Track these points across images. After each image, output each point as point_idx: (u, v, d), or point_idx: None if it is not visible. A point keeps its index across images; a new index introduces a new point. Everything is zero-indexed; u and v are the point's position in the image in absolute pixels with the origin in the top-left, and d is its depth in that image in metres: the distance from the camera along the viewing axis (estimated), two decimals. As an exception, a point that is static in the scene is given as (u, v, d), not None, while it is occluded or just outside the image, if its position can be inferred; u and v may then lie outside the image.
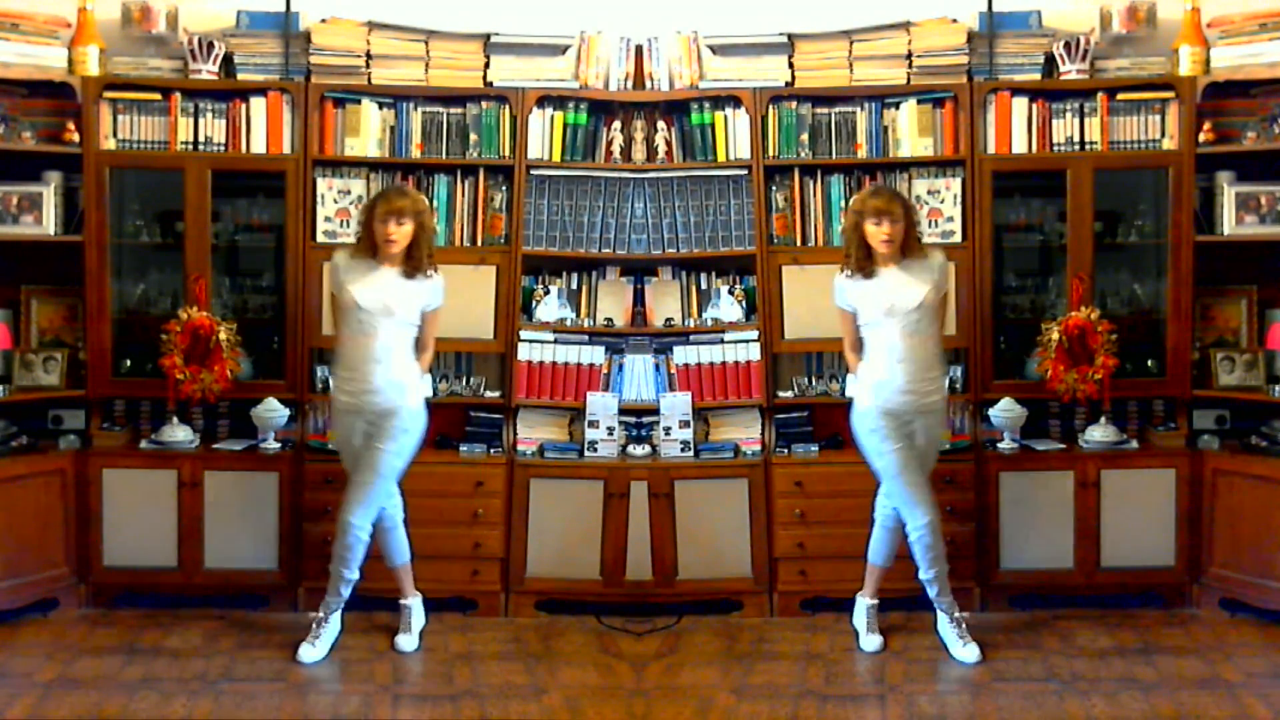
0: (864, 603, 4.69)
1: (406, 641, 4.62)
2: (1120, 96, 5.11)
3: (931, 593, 4.54)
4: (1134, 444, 5.11)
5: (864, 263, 4.45)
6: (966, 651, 4.46)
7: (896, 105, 5.20)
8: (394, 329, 4.43)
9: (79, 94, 5.10)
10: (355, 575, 4.52)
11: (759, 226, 5.19)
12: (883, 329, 4.43)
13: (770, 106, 5.19)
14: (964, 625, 4.53)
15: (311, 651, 4.47)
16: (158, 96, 5.12)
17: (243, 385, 5.07)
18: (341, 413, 4.52)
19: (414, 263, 4.45)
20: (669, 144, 5.27)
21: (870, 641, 4.62)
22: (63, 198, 5.12)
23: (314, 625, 4.53)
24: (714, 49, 5.24)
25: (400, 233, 4.40)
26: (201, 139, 5.14)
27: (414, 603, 4.71)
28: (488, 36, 5.23)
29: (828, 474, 5.04)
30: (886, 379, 4.43)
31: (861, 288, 4.47)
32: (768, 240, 5.20)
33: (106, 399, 5.18)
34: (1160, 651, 4.53)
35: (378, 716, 4.03)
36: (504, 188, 5.22)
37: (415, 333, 4.52)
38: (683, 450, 5.12)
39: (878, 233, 4.41)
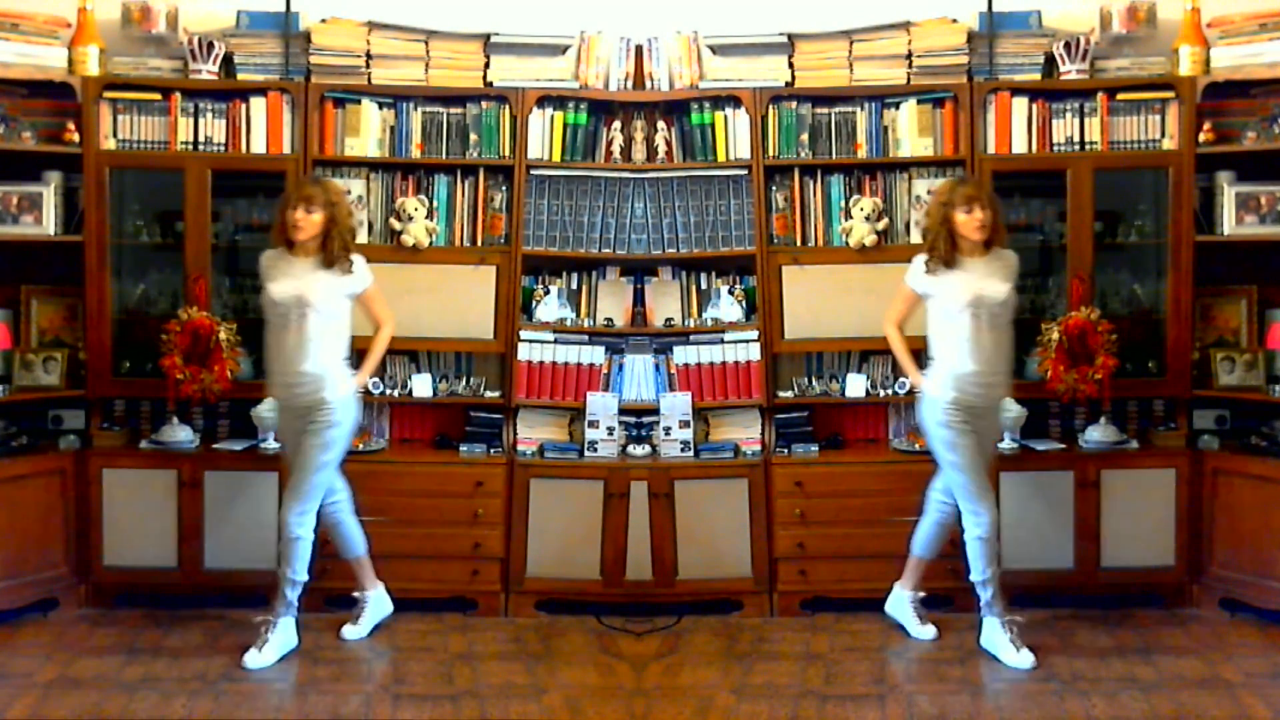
0: (905, 594, 4.72)
1: (351, 631, 4.66)
2: (1120, 96, 5.11)
3: (985, 595, 4.47)
4: (1134, 444, 5.11)
5: (950, 254, 4.45)
6: (1020, 658, 4.38)
7: (896, 105, 5.20)
8: (312, 321, 4.45)
9: (79, 94, 5.10)
10: (302, 577, 4.47)
11: (759, 226, 5.19)
12: (963, 320, 4.44)
13: (770, 106, 5.19)
14: (1016, 630, 4.44)
15: (258, 658, 4.39)
16: (158, 96, 5.12)
17: (243, 385, 5.07)
18: (279, 408, 4.59)
19: (328, 254, 4.47)
20: (669, 144, 5.27)
21: (924, 631, 4.64)
22: (63, 198, 5.12)
23: (261, 629, 4.46)
24: (714, 49, 5.25)
25: (309, 221, 4.43)
26: (201, 139, 5.14)
27: (373, 595, 4.73)
28: (488, 36, 5.23)
29: (828, 474, 5.04)
30: (966, 370, 4.44)
31: (943, 277, 4.47)
32: (768, 240, 5.20)
33: (106, 399, 5.18)
34: (1160, 651, 4.52)
35: (378, 716, 4.03)
36: (504, 188, 5.22)
37: (340, 323, 4.54)
38: (683, 450, 5.11)
39: (969, 220, 4.41)
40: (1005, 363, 4.53)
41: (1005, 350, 4.51)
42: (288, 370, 4.47)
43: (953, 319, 4.45)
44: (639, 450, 5.14)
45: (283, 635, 4.47)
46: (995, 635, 4.46)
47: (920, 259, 4.54)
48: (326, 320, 4.47)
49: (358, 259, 4.56)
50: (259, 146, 5.14)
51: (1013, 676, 4.33)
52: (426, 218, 5.16)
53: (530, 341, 5.19)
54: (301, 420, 4.47)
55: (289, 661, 4.46)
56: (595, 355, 5.22)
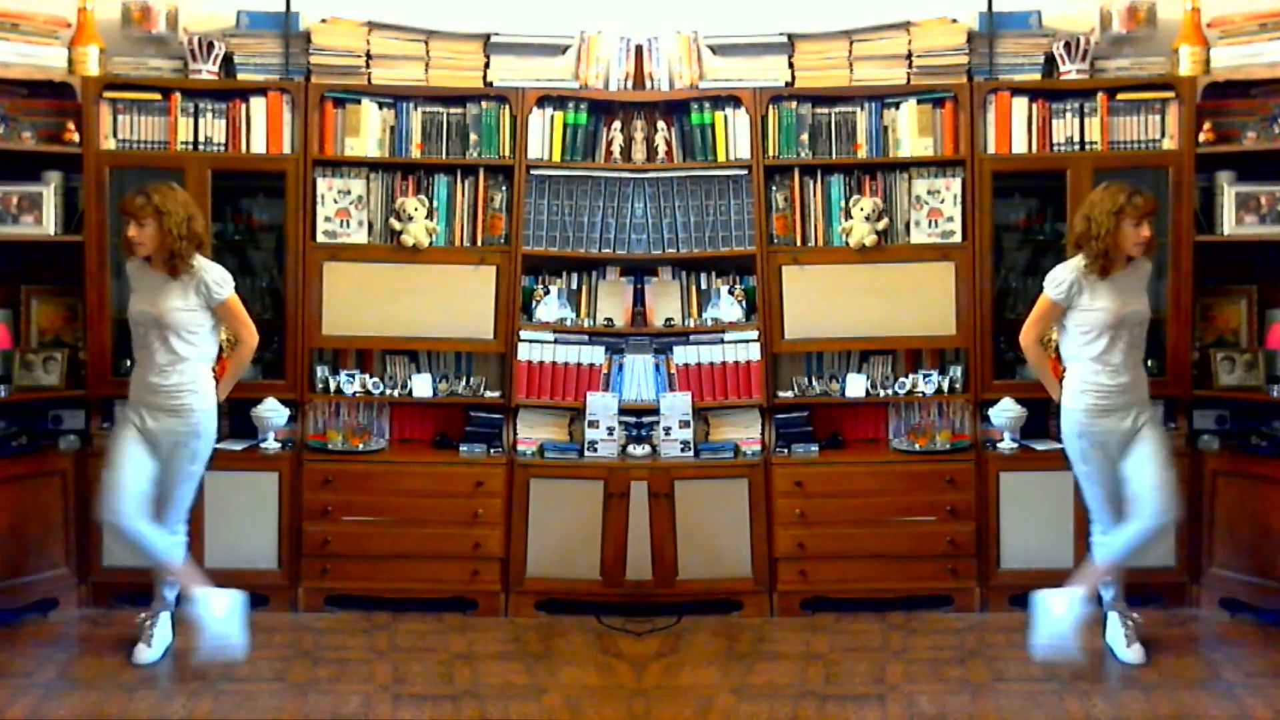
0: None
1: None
2: (1120, 96, 5.10)
3: (1105, 594, 4.51)
4: (1134, 444, 5.11)
5: (1109, 264, 4.30)
6: (1131, 652, 4.39)
7: (896, 105, 5.20)
8: (170, 338, 4.31)
9: (79, 94, 5.09)
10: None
11: (759, 226, 5.19)
12: (1106, 339, 4.32)
13: (770, 106, 5.18)
14: (1132, 626, 4.45)
15: (148, 652, 4.40)
16: (158, 96, 5.11)
17: (243, 385, 5.06)
18: (136, 412, 4.38)
19: (170, 263, 4.27)
20: (669, 144, 5.27)
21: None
22: (63, 198, 5.11)
23: (146, 625, 4.47)
24: (714, 49, 5.24)
25: (143, 234, 4.26)
26: (201, 139, 5.14)
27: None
28: (488, 36, 5.23)
29: (828, 474, 5.04)
30: (1100, 382, 4.34)
31: (1094, 290, 4.32)
32: (768, 240, 5.20)
33: (106, 399, 5.17)
34: (1160, 651, 4.52)
35: (378, 716, 4.03)
36: (504, 188, 5.22)
37: (203, 336, 4.39)
38: (683, 450, 5.11)
39: (1135, 234, 4.28)
40: (1139, 369, 4.41)
41: (1140, 363, 4.42)
42: (151, 384, 4.34)
43: (1098, 338, 4.34)
44: (639, 450, 5.14)
45: (164, 630, 4.49)
46: (1114, 629, 4.48)
47: (1066, 269, 4.37)
48: (187, 338, 4.34)
49: (212, 269, 4.36)
50: (259, 146, 5.14)
51: (1013, 676, 4.33)
52: (426, 218, 5.16)
53: (530, 341, 5.19)
54: (165, 429, 4.34)
55: (289, 661, 4.47)
56: (595, 355, 5.22)
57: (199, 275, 4.34)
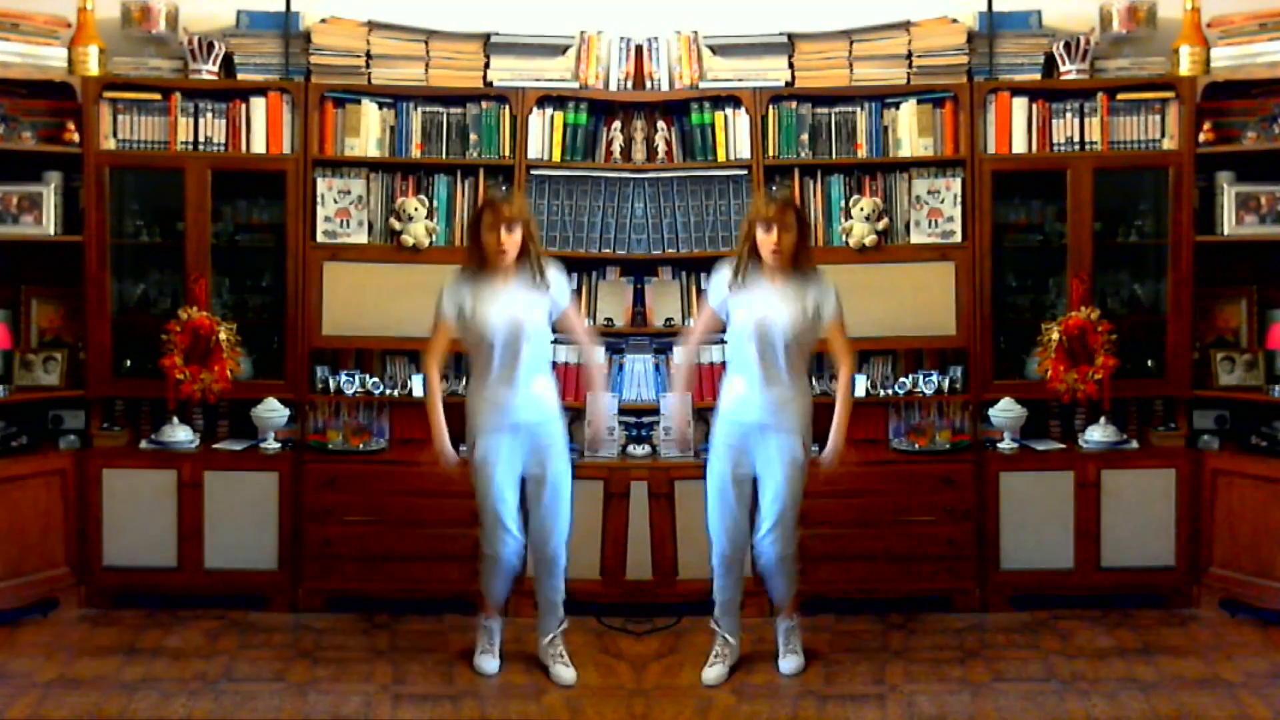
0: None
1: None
2: (1120, 96, 5.11)
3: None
4: (1134, 444, 5.11)
5: (748, 272, 4.22)
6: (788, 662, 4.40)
7: (896, 105, 5.20)
8: (528, 347, 4.24)
9: (79, 94, 5.10)
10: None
11: (759, 226, 5.18)
12: (748, 347, 4.19)
13: (770, 106, 5.19)
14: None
15: (494, 662, 4.42)
16: (158, 96, 5.12)
17: (243, 385, 5.08)
18: (487, 433, 4.27)
19: (530, 271, 4.25)
20: (669, 144, 5.27)
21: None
22: (63, 198, 5.12)
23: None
24: (714, 49, 5.25)
25: (511, 241, 4.18)
26: (201, 139, 5.14)
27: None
28: (488, 36, 5.23)
29: (828, 474, 5.02)
30: (749, 395, 4.22)
31: (740, 296, 4.22)
32: (768, 240, 5.20)
33: (106, 399, 5.18)
34: (1160, 651, 4.52)
35: (378, 716, 4.03)
36: (504, 188, 5.22)
37: (549, 345, 4.40)
38: (682, 450, 5.11)
39: (767, 241, 4.16)
40: (786, 397, 4.20)
41: (788, 383, 4.19)
42: (511, 400, 4.24)
43: (741, 344, 4.24)
44: (639, 450, 5.13)
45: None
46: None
47: (726, 272, 4.27)
48: (538, 345, 4.30)
49: (551, 272, 4.31)
50: (259, 146, 5.14)
51: (1013, 676, 4.33)
52: (426, 218, 5.16)
53: (530, 341, 5.18)
54: (524, 446, 4.28)
55: (289, 661, 4.47)
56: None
57: (544, 282, 4.27)
